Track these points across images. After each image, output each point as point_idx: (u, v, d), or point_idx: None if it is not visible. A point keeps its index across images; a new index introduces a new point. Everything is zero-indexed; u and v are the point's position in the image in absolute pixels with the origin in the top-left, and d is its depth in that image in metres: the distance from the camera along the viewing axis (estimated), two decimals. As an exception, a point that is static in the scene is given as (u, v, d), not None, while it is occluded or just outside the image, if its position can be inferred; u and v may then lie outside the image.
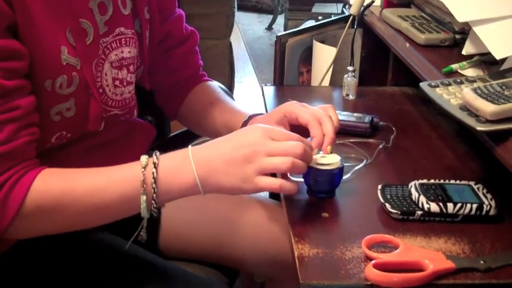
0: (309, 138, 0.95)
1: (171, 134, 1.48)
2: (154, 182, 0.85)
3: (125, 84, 1.01)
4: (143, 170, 0.85)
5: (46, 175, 0.86)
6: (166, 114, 1.27)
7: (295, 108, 1.00)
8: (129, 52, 1.00)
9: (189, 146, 0.88)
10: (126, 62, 1.00)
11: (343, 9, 2.29)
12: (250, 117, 1.09)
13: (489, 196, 0.91)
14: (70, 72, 0.90)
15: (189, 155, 0.87)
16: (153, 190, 0.85)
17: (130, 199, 0.86)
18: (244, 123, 1.08)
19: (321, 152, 0.96)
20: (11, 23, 0.82)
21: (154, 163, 0.86)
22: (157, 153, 0.87)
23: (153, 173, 0.85)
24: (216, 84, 1.24)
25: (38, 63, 0.86)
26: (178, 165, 0.87)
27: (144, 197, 0.85)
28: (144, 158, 0.87)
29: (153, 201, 0.86)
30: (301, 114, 0.99)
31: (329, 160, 0.94)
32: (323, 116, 0.98)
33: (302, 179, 0.97)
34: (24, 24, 0.83)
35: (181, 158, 0.88)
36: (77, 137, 0.97)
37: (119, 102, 1.01)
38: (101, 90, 0.96)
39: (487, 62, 1.09)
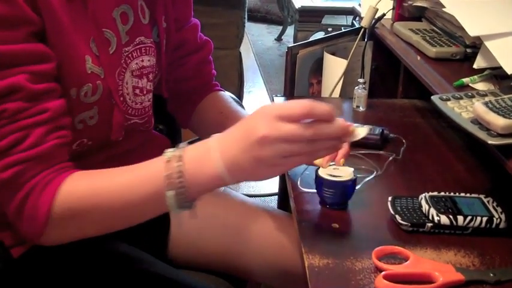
0: None
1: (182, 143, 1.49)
2: (181, 176, 0.81)
3: (144, 92, 1.02)
4: (168, 164, 0.81)
5: (74, 177, 0.86)
6: (178, 121, 1.28)
7: None
8: (148, 61, 1.02)
9: (214, 137, 0.84)
10: (146, 71, 1.02)
11: (353, 21, 2.30)
12: None
13: (499, 209, 0.92)
14: (95, 81, 0.90)
15: (215, 150, 0.82)
16: (180, 184, 0.81)
17: (158, 195, 0.82)
18: None
19: (334, 164, 0.96)
20: (39, 29, 0.83)
21: (179, 156, 0.82)
22: (181, 145, 0.84)
23: (179, 166, 0.81)
24: (227, 95, 1.24)
25: (64, 71, 0.87)
26: (204, 159, 0.82)
27: (171, 192, 0.81)
28: (168, 153, 0.83)
29: (182, 196, 0.82)
30: None
31: (342, 172, 0.95)
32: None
33: (315, 190, 0.98)
34: (53, 31, 0.84)
35: (205, 150, 0.82)
36: (96, 146, 0.98)
37: (139, 111, 1.02)
38: (121, 99, 0.97)
39: (498, 76, 1.09)
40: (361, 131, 0.85)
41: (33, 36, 0.82)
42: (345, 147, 0.96)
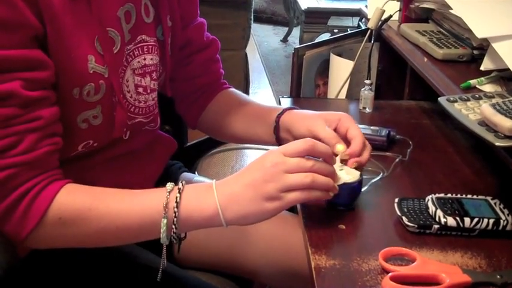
0: None
1: (188, 144, 1.49)
2: (177, 207, 0.86)
3: (148, 91, 1.03)
4: (168, 194, 0.86)
5: (71, 189, 0.87)
6: (186, 122, 1.27)
7: (350, 122, 1.02)
8: (151, 59, 1.02)
9: (213, 180, 0.89)
10: (148, 69, 1.02)
11: (359, 22, 2.30)
12: (285, 110, 1.10)
13: (506, 211, 0.91)
14: (97, 80, 0.91)
15: (213, 186, 0.88)
16: (174, 214, 0.85)
17: (151, 223, 0.86)
18: (278, 117, 1.09)
19: (341, 165, 0.96)
20: (38, 34, 0.83)
21: (179, 189, 0.87)
22: (184, 182, 0.88)
23: (176, 198, 0.86)
24: (238, 91, 1.24)
25: (66, 72, 0.87)
26: (202, 195, 0.87)
27: (164, 220, 0.85)
28: (170, 184, 0.87)
29: (173, 226, 0.86)
30: (353, 129, 1.01)
31: (349, 173, 0.95)
32: (368, 143, 1.01)
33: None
34: (54, 34, 0.84)
35: (205, 188, 0.88)
36: (102, 146, 0.99)
37: (143, 110, 1.03)
38: (121, 95, 0.97)
39: (505, 78, 1.09)
40: (342, 174, 0.94)
41: (32, 41, 0.82)
42: (365, 157, 0.98)
